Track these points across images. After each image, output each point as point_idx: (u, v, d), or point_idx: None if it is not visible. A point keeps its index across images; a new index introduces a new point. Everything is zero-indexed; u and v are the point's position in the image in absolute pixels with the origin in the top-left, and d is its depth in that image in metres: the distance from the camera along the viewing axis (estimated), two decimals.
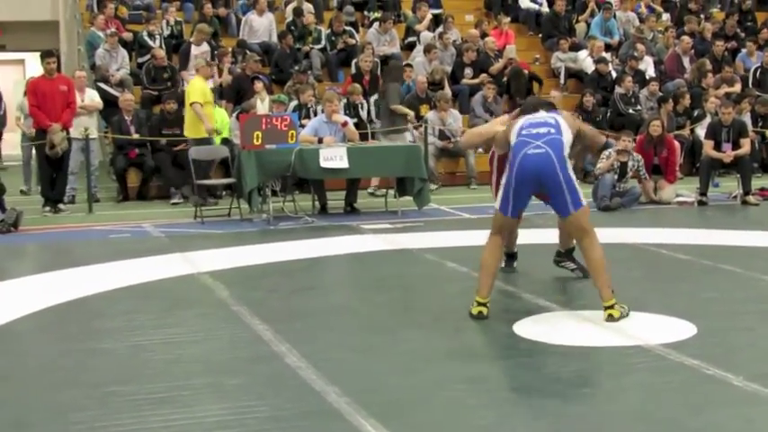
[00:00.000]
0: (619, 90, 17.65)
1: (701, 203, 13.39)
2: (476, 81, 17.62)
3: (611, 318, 6.74)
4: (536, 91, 17.85)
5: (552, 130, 6.92)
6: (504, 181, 6.99)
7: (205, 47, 17.09)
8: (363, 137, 14.39)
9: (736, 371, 5.54)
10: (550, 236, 8.90)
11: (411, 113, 15.62)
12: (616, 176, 13.31)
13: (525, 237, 8.94)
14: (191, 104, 13.51)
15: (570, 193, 6.80)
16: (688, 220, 12.37)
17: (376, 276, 8.80)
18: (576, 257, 8.14)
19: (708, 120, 15.98)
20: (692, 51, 19.46)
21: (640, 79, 18.37)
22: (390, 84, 15.77)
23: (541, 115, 7.06)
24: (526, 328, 6.62)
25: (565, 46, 19.28)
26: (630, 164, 13.38)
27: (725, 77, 18.52)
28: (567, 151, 6.87)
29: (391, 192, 13.13)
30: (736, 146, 13.69)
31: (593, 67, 18.54)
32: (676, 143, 14.56)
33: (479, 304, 6.96)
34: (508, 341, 6.38)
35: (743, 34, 20.94)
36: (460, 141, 13.10)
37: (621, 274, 8.52)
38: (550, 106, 7.24)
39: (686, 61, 19.26)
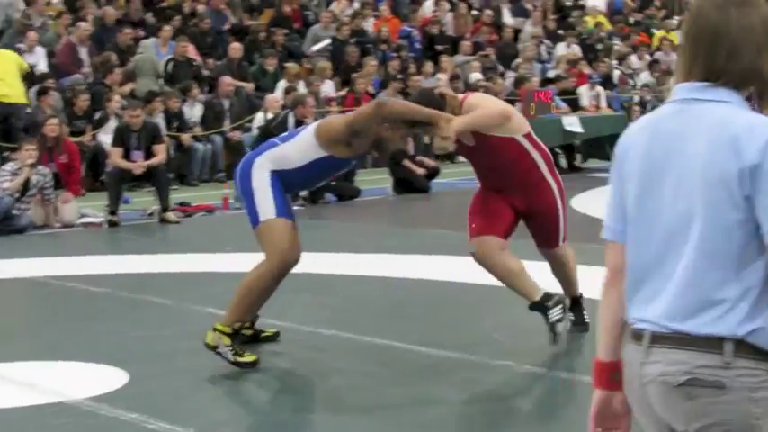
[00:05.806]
0: None
1: (111, 224, 13.36)
2: None
3: (210, 341, 6.68)
4: None
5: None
6: None
7: None
8: None
9: (183, 422, 5.55)
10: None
11: None
12: (17, 195, 12.85)
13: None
14: None
15: (249, 205, 6.94)
16: (98, 244, 12.48)
17: None
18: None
19: (113, 123, 15.93)
20: (90, 42, 19.47)
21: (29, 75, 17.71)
22: None
23: None
24: None
25: None
26: (35, 179, 13.08)
27: (128, 72, 18.99)
28: (269, 162, 6.90)
29: None
30: (149, 154, 13.83)
31: None
32: (76, 147, 14.54)
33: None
34: None
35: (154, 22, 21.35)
36: None
37: (42, 316, 8.67)
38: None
39: (84, 53, 19.25)
